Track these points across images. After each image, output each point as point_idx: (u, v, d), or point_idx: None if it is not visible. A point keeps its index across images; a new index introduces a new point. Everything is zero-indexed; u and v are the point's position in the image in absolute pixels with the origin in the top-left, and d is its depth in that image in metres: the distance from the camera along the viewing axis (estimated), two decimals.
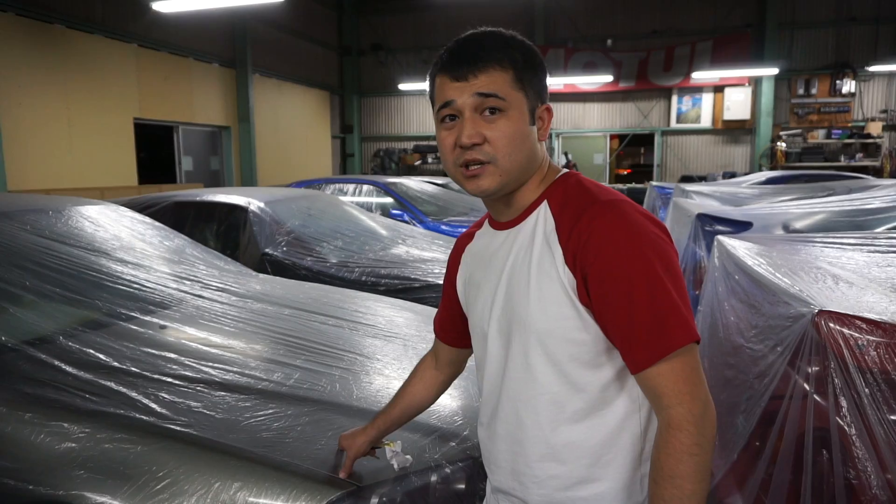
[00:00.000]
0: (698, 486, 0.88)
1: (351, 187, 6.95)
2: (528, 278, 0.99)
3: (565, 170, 1.07)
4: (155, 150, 10.37)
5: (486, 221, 1.14)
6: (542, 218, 1.01)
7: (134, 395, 1.67)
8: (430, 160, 14.78)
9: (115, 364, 1.81)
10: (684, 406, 0.89)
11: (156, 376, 1.77)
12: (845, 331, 1.32)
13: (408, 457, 1.47)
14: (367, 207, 6.37)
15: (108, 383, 1.71)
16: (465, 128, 0.97)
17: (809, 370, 1.40)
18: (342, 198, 5.92)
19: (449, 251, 4.49)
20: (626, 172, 16.09)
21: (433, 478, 1.57)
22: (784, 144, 12.82)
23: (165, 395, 1.69)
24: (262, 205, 4.15)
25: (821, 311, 1.39)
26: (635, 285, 0.90)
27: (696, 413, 0.89)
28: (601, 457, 0.98)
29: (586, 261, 0.92)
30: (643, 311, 0.90)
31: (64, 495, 1.46)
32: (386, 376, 2.01)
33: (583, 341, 0.96)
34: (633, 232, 0.92)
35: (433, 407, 1.85)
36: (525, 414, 1.02)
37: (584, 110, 14.24)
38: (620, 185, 12.66)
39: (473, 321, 1.13)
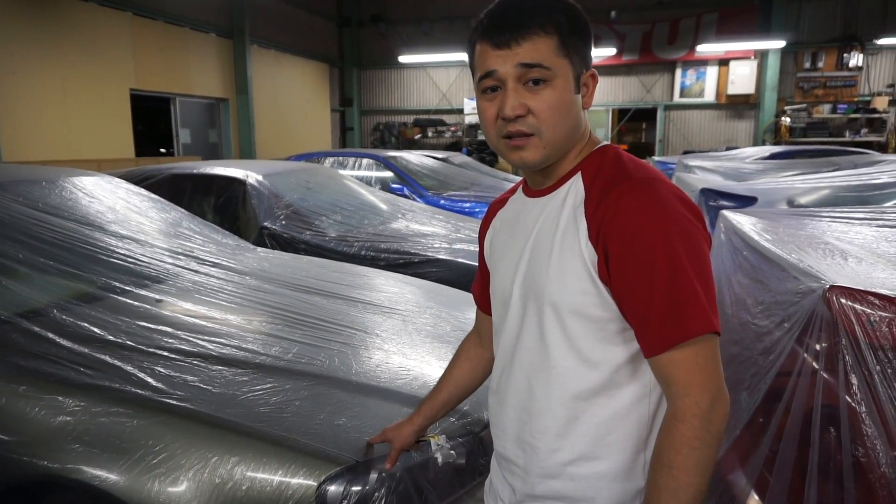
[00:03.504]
0: (696, 478, 0.86)
1: (350, 161, 6.87)
2: (550, 249, 0.96)
3: (605, 142, 1.03)
4: (152, 123, 10.25)
5: (521, 188, 1.11)
6: (574, 189, 0.98)
7: (129, 368, 1.65)
8: (430, 134, 14.64)
9: (110, 338, 1.79)
10: (692, 397, 0.87)
11: (151, 350, 1.75)
12: (857, 306, 1.29)
13: (452, 451, 1.44)
14: (367, 181, 6.31)
15: (103, 357, 1.68)
16: (508, 99, 0.93)
17: (818, 346, 1.37)
18: (341, 171, 5.86)
19: (448, 226, 4.41)
20: (625, 148, 15.94)
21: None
22: (788, 119, 12.67)
23: (161, 369, 1.67)
24: (260, 178, 4.10)
25: (832, 287, 1.36)
26: (656, 268, 0.87)
27: (703, 406, 0.86)
28: (605, 436, 0.96)
29: (609, 237, 0.90)
30: (661, 296, 0.87)
31: (59, 468, 1.45)
32: (385, 351, 1.99)
33: (599, 318, 0.93)
34: (662, 213, 0.88)
35: (433, 382, 1.83)
36: (536, 385, 1.00)
37: None
38: None
39: (494, 285, 1.11)
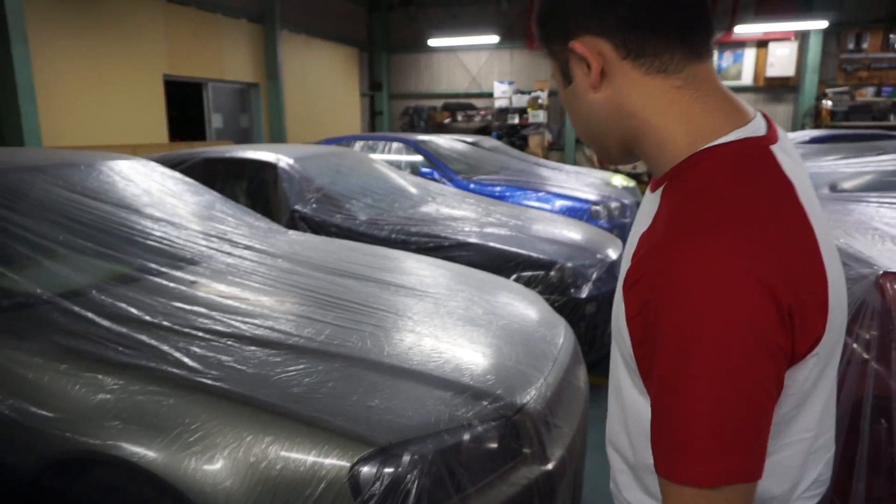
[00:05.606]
0: None
1: (380, 145, 6.87)
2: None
3: (721, 140, 0.72)
4: (185, 108, 10.39)
5: None
6: (654, 201, 0.78)
7: (165, 348, 1.67)
8: (459, 118, 14.55)
9: (147, 318, 1.81)
10: None
11: (186, 330, 1.77)
12: None
13: None
14: (397, 165, 6.30)
15: (141, 336, 1.71)
16: None
17: (868, 335, 1.31)
18: (371, 155, 5.86)
19: (478, 210, 4.31)
20: None
21: (465, 436, 1.55)
22: (830, 102, 12.25)
23: (196, 349, 1.68)
24: (291, 161, 4.12)
25: (885, 273, 1.29)
26: (663, 374, 0.67)
27: None
28: None
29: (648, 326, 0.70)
30: (658, 417, 0.68)
31: (100, 444, 1.47)
32: (417, 333, 1.98)
33: None
34: (687, 311, 0.64)
35: (465, 365, 1.82)
36: (614, 422, 0.88)
37: None
38: None
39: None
